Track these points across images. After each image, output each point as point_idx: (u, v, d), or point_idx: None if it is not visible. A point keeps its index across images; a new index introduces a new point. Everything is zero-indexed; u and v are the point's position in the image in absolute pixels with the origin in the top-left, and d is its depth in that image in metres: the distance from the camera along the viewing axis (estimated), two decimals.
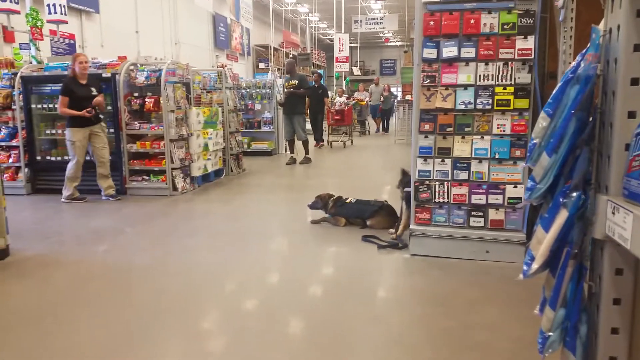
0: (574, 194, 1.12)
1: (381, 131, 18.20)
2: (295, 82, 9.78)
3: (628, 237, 0.98)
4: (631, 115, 1.07)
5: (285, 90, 9.87)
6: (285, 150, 10.90)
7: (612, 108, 1.09)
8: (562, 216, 1.12)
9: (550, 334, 1.19)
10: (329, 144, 13.15)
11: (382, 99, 17.30)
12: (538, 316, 1.29)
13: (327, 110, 13.01)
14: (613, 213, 1.04)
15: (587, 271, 1.17)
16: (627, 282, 1.13)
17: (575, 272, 1.15)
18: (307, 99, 11.02)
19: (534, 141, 1.22)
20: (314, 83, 12.34)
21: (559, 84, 1.15)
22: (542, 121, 1.18)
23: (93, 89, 6.34)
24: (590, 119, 1.15)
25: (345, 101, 15.06)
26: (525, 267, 1.22)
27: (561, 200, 1.13)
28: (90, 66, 6.63)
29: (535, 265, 1.18)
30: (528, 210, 3.79)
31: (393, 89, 29.61)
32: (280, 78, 12.23)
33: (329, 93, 14.42)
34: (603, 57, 1.12)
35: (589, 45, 1.10)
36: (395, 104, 17.57)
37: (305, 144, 9.96)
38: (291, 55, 23.02)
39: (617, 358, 1.15)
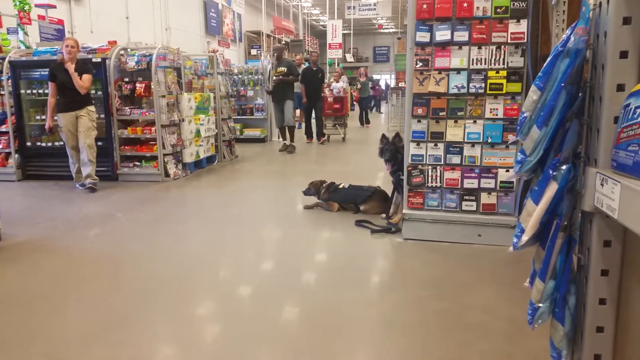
0: (564, 167, 1.13)
1: (363, 125, 15.53)
2: (283, 69, 9.51)
3: (616, 207, 0.99)
4: (620, 88, 1.08)
5: (274, 77, 9.58)
6: (278, 138, 10.66)
7: (602, 81, 1.10)
8: (552, 189, 1.13)
9: (540, 305, 1.21)
10: (327, 137, 11.51)
11: (358, 85, 15.40)
12: (528, 288, 1.31)
13: (325, 97, 11.55)
14: (602, 185, 1.06)
15: (577, 243, 1.19)
16: (615, 253, 1.14)
17: (564, 244, 1.17)
18: (302, 85, 10.60)
19: (525, 114, 1.23)
20: (309, 64, 11.10)
21: (549, 58, 1.15)
22: (533, 94, 1.19)
23: (76, 74, 6.11)
24: (580, 93, 1.16)
25: (344, 86, 13.12)
26: (515, 240, 1.24)
27: (551, 172, 1.14)
28: (80, 51, 6.55)
29: (525, 237, 1.19)
30: (520, 194, 3.82)
31: (386, 76, 29.39)
32: (270, 64, 11.44)
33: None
34: (593, 31, 1.13)
35: (579, 19, 1.11)
36: (371, 91, 16.41)
37: (292, 130, 9.74)
38: (283, 42, 22.82)
39: (604, 328, 1.17)
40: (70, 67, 6.02)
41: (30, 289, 3.31)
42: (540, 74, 1.18)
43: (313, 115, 11.03)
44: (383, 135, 4.73)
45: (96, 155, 6.32)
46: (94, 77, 6.69)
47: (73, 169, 6.41)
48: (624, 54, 1.07)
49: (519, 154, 1.25)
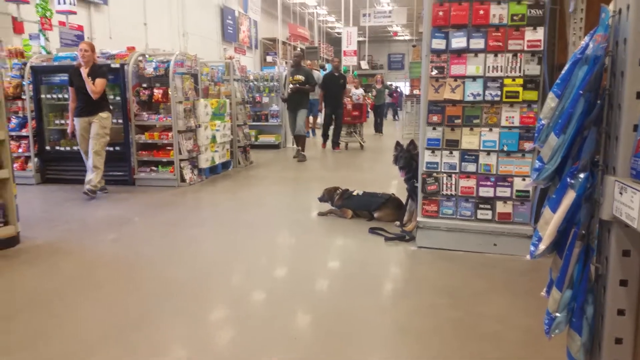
0: (582, 175, 1.12)
1: (374, 132, 15.14)
2: (301, 77, 9.36)
3: (635, 217, 0.98)
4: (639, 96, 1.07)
5: (291, 85, 9.39)
6: (293, 144, 10.50)
7: (621, 88, 1.09)
8: (570, 197, 1.12)
9: (557, 314, 1.19)
10: (345, 145, 11.28)
11: (374, 92, 14.99)
12: (545, 298, 1.29)
13: (344, 103, 11.19)
14: (620, 193, 1.04)
15: (594, 252, 1.17)
16: (634, 263, 1.13)
17: (582, 253, 1.15)
18: (321, 91, 10.54)
19: (542, 122, 1.22)
20: (331, 69, 10.94)
21: (567, 65, 1.15)
22: (551, 102, 1.18)
23: (89, 79, 6.01)
24: (599, 100, 1.15)
25: (363, 93, 13.13)
26: (532, 248, 1.23)
27: (569, 180, 1.13)
28: (95, 54, 6.65)
29: (542, 246, 1.18)
30: (536, 203, 3.78)
31: (400, 84, 29.34)
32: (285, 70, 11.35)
33: None
34: (612, 38, 1.12)
35: (598, 25, 1.10)
36: (387, 99, 16.09)
37: (303, 139, 9.58)
38: (299, 48, 22.94)
39: (623, 339, 1.15)
40: (84, 71, 6.00)
41: (48, 290, 3.36)
42: (558, 81, 1.17)
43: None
44: (397, 143, 4.72)
45: (104, 161, 6.20)
46: (112, 82, 6.80)
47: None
48: None
49: (536, 161, 1.24)
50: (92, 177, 6.11)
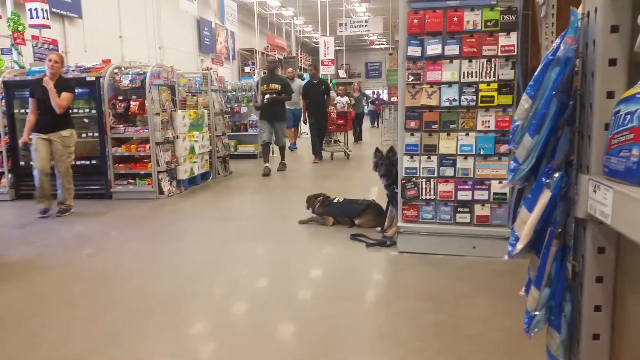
0: (556, 174, 1.14)
1: (354, 141, 14.57)
2: (277, 86, 8.89)
3: (609, 213, 1.00)
4: (610, 95, 1.09)
5: (267, 95, 8.77)
6: (271, 154, 9.88)
7: (592, 89, 1.12)
8: (545, 196, 1.14)
9: (536, 313, 1.21)
10: (330, 155, 10.89)
11: (352, 101, 14.52)
12: (523, 297, 1.30)
13: (329, 112, 10.75)
14: (594, 191, 1.06)
15: (571, 250, 1.19)
16: (609, 260, 1.15)
17: (559, 251, 1.17)
18: (303, 101, 10.26)
19: (517, 123, 1.24)
20: (310, 78, 10.59)
21: (540, 66, 1.17)
22: (524, 103, 1.21)
23: (54, 91, 5.61)
24: (571, 101, 1.17)
25: (349, 101, 12.79)
26: (509, 248, 1.24)
27: (544, 180, 1.15)
28: (73, 70, 6.57)
29: (519, 246, 1.20)
30: (513, 204, 3.83)
31: (373, 92, 29.52)
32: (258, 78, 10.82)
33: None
34: (582, 40, 1.15)
35: (568, 27, 1.13)
36: (366, 108, 15.98)
37: (284, 150, 9.36)
38: (277, 58, 22.97)
39: (600, 335, 1.17)
40: (49, 82, 5.55)
41: (24, 307, 3.27)
42: (531, 82, 1.19)
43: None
44: (377, 149, 4.74)
45: (72, 180, 5.95)
46: (87, 95, 6.72)
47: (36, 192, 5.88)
48: (612, 62, 1.09)
49: (512, 162, 1.26)
50: (63, 197, 5.89)
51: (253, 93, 11.00)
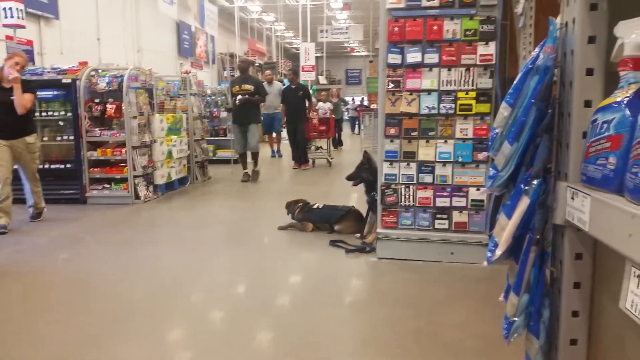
0: (535, 182, 1.15)
1: (333, 147, 13.64)
2: (250, 87, 8.38)
3: (587, 220, 1.01)
4: (587, 104, 1.11)
5: (239, 96, 8.29)
6: (238, 163, 9.27)
7: (570, 98, 1.14)
8: (524, 203, 1.15)
9: (515, 319, 1.22)
10: (312, 162, 10.54)
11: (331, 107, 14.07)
12: (502, 303, 1.32)
13: (309, 117, 10.52)
14: (572, 198, 1.08)
15: (549, 256, 1.20)
16: (586, 266, 1.17)
17: (537, 257, 1.18)
18: (282, 105, 10.04)
19: (496, 130, 1.26)
20: (289, 83, 10.39)
21: (519, 75, 1.18)
22: (504, 111, 1.22)
23: (20, 91, 5.21)
24: (550, 109, 1.19)
25: (331, 107, 12.36)
26: (489, 254, 1.25)
27: (522, 187, 1.16)
28: (49, 72, 6.45)
29: (498, 252, 1.21)
30: (491, 212, 3.88)
31: (358, 99, 29.65)
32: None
33: None
34: (560, 49, 1.17)
35: (547, 37, 1.14)
36: (346, 113, 15.76)
37: (257, 156, 8.73)
38: (257, 64, 22.90)
39: (577, 340, 1.19)
40: (17, 79, 5.15)
41: None
42: (510, 90, 1.21)
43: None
44: (365, 152, 4.88)
45: (43, 182, 5.71)
46: (63, 98, 6.60)
47: None
48: (590, 72, 1.11)
49: (491, 169, 1.27)
50: (34, 202, 5.64)
51: (224, 97, 10.46)
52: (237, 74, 9.00)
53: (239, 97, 8.28)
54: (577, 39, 1.11)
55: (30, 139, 5.42)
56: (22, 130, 5.34)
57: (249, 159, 8.81)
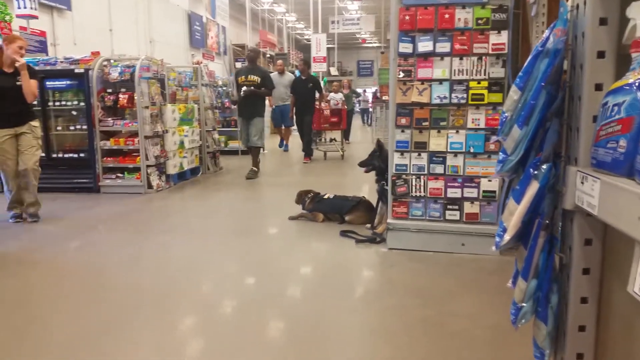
0: (545, 166, 1.14)
1: (346, 139, 13.39)
2: (256, 78, 7.95)
3: (596, 204, 1.00)
4: (598, 87, 1.10)
5: (244, 87, 7.88)
6: (263, 150, 9.38)
7: (580, 81, 1.12)
8: (533, 188, 1.14)
9: (523, 304, 1.21)
10: (323, 154, 10.41)
11: (342, 97, 13.62)
12: (510, 288, 1.31)
13: (319, 109, 10.24)
14: (582, 183, 1.07)
15: (558, 242, 1.19)
16: (596, 252, 1.15)
17: (546, 243, 1.17)
18: (292, 97, 9.79)
19: (505, 114, 1.25)
20: (299, 74, 10.05)
21: (529, 58, 1.17)
22: (513, 94, 1.21)
23: (19, 79, 4.94)
24: (560, 92, 1.17)
25: (342, 98, 12.02)
26: (497, 239, 1.24)
27: (532, 171, 1.15)
28: (61, 62, 6.50)
29: (507, 237, 1.20)
30: (503, 198, 3.85)
31: (370, 90, 29.52)
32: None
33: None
34: (571, 32, 1.15)
35: (557, 19, 1.13)
36: (356, 104, 15.17)
37: (257, 152, 8.21)
38: (268, 55, 22.86)
39: (586, 327, 1.18)
40: (24, 67, 4.91)
41: (11, 301, 3.23)
42: (520, 73, 1.20)
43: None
44: (378, 140, 4.87)
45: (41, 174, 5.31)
46: (76, 88, 6.66)
47: (8, 196, 5.23)
48: (601, 54, 1.09)
49: (500, 153, 1.26)
50: (34, 199, 5.23)
51: (230, 88, 10.04)
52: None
53: (244, 88, 7.89)
54: (588, 20, 1.09)
55: (35, 123, 5.19)
56: (26, 116, 5.11)
57: (264, 151, 8.53)
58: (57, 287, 3.50)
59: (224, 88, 11.39)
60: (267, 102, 9.04)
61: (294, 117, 10.05)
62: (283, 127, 11.57)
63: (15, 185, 5.15)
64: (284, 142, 12.08)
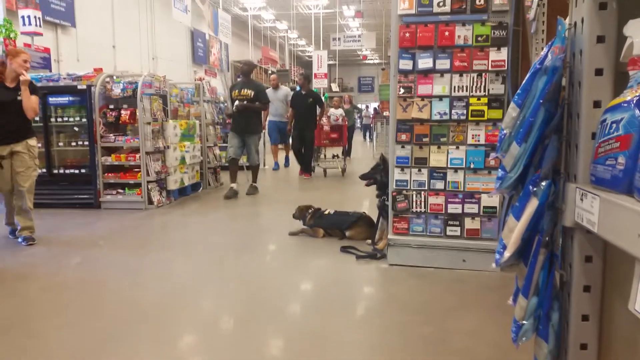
0: (544, 183, 1.14)
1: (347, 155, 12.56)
2: (250, 92, 7.65)
3: (595, 221, 1.00)
4: (596, 104, 1.10)
5: (237, 101, 7.64)
6: (247, 169, 8.70)
7: (579, 98, 1.12)
8: (533, 205, 1.14)
9: (524, 322, 1.20)
10: (323, 171, 10.21)
11: (343, 113, 13.32)
12: (511, 306, 1.30)
13: (319, 125, 10.11)
14: (581, 199, 1.07)
15: (558, 259, 1.19)
16: (596, 269, 1.15)
17: (546, 260, 1.17)
18: (291, 111, 9.63)
19: (504, 131, 1.25)
20: (299, 88, 9.94)
21: (527, 75, 1.18)
22: (512, 111, 1.21)
23: (20, 94, 4.78)
24: (558, 109, 1.18)
25: (343, 114, 11.98)
26: (497, 256, 1.24)
27: (531, 188, 1.15)
28: (64, 78, 6.55)
29: (507, 254, 1.19)
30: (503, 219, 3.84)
31: (372, 105, 29.64)
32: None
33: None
34: (569, 50, 1.16)
35: (555, 37, 1.14)
36: (358, 120, 15.11)
37: (256, 170, 8.08)
38: (270, 72, 23.02)
39: (587, 345, 1.16)
40: (25, 79, 4.73)
41: (9, 316, 3.21)
42: (519, 91, 1.20)
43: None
44: (382, 155, 4.87)
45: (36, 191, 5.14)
46: (78, 104, 6.69)
47: (5, 211, 5.16)
48: (599, 72, 1.10)
49: (499, 170, 1.26)
50: (30, 222, 5.03)
51: (224, 103, 9.85)
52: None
53: (237, 102, 7.63)
54: (586, 38, 1.10)
55: (32, 141, 4.97)
56: (24, 133, 4.90)
57: (242, 181, 8.29)
58: (56, 302, 3.48)
59: (226, 104, 11.41)
60: (263, 116, 8.77)
61: (292, 131, 9.92)
62: (279, 145, 11.17)
63: (10, 202, 5.02)
64: (282, 158, 11.68)
